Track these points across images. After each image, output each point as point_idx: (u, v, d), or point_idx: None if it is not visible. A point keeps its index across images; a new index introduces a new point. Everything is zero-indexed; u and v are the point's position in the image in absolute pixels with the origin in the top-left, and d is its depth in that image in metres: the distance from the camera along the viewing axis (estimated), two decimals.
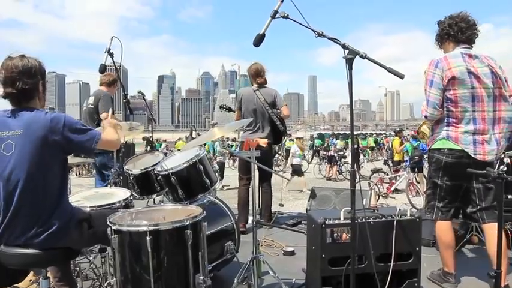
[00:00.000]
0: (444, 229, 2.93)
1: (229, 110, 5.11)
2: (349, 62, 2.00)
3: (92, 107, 4.35)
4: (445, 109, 2.82)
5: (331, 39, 2.06)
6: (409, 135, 15.55)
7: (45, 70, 2.12)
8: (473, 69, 2.74)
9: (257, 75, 4.68)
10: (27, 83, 2.00)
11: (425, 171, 10.57)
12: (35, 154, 1.95)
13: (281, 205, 5.68)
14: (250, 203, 4.32)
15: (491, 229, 2.72)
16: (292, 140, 22.42)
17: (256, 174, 3.01)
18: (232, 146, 20.64)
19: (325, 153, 17.93)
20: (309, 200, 5.22)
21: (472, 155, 2.74)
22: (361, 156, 20.14)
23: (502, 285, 2.52)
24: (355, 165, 2.25)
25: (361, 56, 2.00)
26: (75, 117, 4.29)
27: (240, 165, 4.90)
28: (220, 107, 5.23)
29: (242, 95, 4.75)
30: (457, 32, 2.87)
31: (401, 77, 2.01)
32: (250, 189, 3.92)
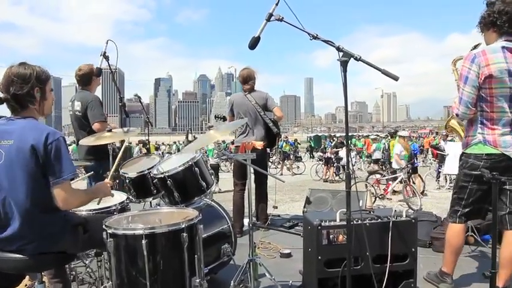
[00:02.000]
0: (456, 231, 2.83)
1: (224, 119, 5.10)
2: (344, 64, 2.00)
3: (80, 114, 3.99)
4: (478, 108, 2.62)
5: (325, 41, 2.06)
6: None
7: (45, 77, 2.07)
8: None
9: (244, 81, 4.69)
10: (20, 88, 1.98)
11: (422, 172, 10.68)
12: (22, 164, 1.90)
13: (275, 207, 5.67)
14: (246, 208, 4.30)
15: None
16: (288, 142, 22.30)
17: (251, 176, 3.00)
18: (226, 148, 20.44)
19: (322, 154, 17.95)
20: (305, 203, 5.22)
21: None
22: (358, 158, 20.19)
23: (501, 286, 2.52)
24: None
25: (356, 58, 2.01)
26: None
27: (235, 170, 4.83)
28: (215, 116, 5.22)
29: (233, 100, 4.78)
30: (505, 22, 2.53)
31: (396, 79, 2.01)
32: (246, 194, 3.90)
